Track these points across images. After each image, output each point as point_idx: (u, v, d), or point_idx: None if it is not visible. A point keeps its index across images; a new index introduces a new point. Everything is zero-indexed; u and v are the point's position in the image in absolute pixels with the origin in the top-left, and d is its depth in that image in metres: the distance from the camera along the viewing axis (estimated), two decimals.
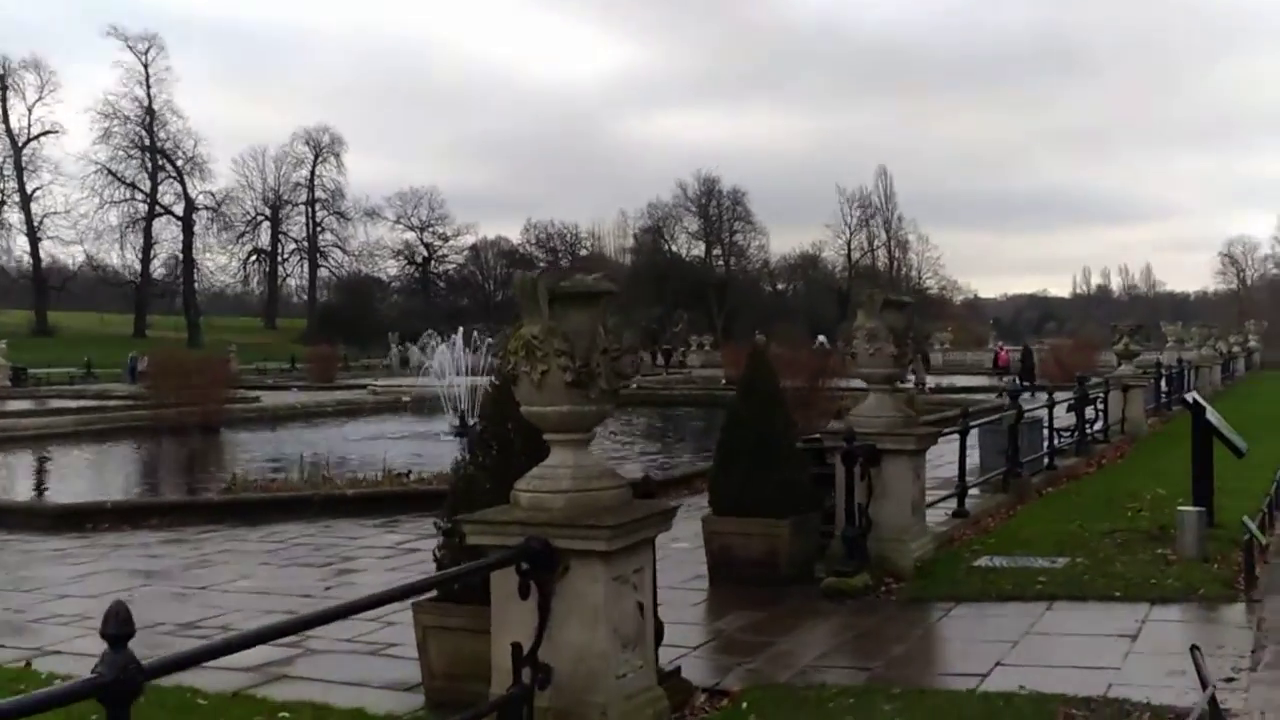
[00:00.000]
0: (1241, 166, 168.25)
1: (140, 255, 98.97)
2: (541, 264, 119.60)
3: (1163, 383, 30.22)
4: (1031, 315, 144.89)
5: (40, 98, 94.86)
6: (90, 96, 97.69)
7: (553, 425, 6.38)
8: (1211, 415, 11.77)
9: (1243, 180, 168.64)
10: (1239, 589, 9.43)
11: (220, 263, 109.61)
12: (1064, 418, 20.88)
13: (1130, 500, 14.37)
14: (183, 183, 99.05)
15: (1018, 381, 39.02)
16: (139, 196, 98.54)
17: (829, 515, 10.99)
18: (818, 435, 11.61)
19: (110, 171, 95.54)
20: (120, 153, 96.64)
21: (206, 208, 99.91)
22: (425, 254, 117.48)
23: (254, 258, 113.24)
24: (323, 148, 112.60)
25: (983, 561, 10.98)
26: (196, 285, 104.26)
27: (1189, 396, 11.68)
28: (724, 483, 10.73)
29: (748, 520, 10.54)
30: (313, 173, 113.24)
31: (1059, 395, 20.53)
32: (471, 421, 31.14)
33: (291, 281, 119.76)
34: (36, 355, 68.52)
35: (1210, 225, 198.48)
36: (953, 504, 13.74)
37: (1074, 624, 8.91)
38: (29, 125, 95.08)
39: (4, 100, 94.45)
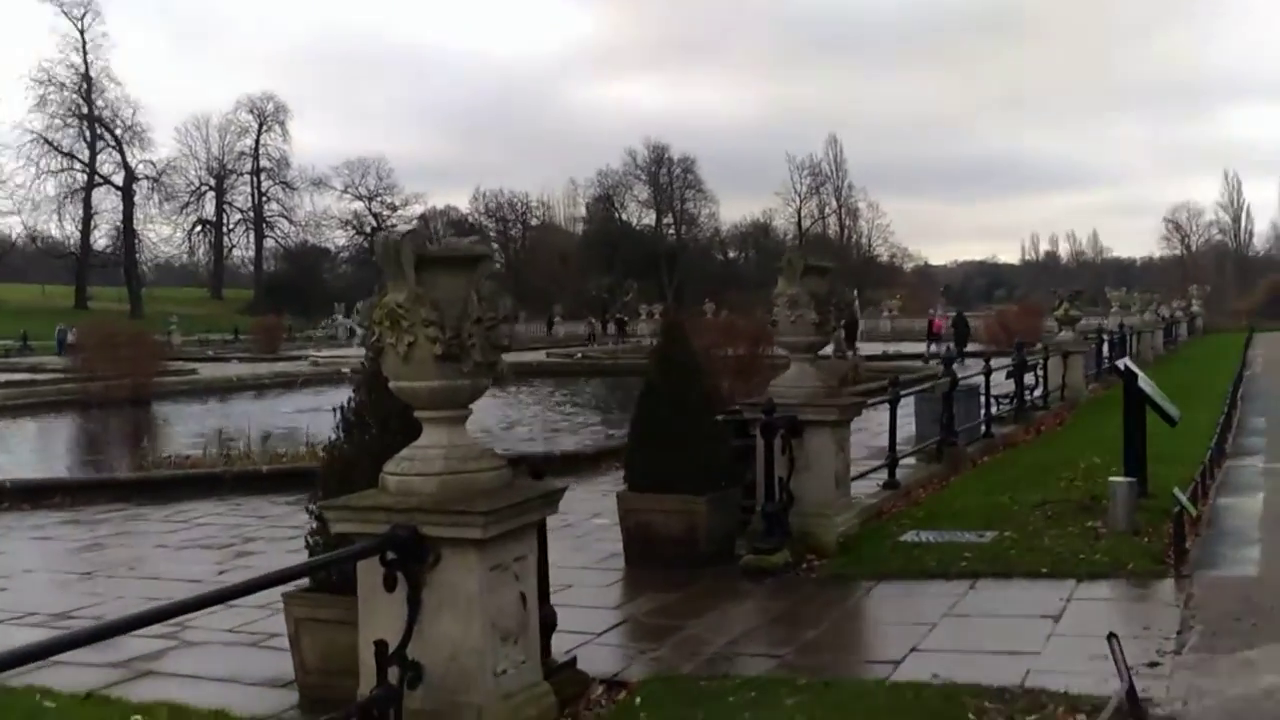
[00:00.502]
0: (1187, 132, 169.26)
1: (80, 226, 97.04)
2: (491, 233, 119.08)
3: (1104, 348, 30.07)
4: (981, 282, 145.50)
5: None
6: (26, 64, 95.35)
7: (423, 401, 5.87)
8: (1144, 382, 11.41)
9: (1188, 146, 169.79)
10: (1169, 563, 9.09)
11: (165, 234, 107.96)
12: (1004, 385, 20.65)
13: (1065, 469, 14.05)
14: (121, 152, 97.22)
15: (952, 349, 38.92)
16: (77, 166, 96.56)
17: (751, 490, 10.55)
18: (738, 407, 11.14)
19: (47, 140, 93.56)
20: (57, 121, 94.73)
21: (147, 177, 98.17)
22: (374, 223, 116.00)
23: (199, 228, 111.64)
24: (267, 116, 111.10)
25: (909, 536, 10.59)
26: (140, 257, 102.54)
27: (1120, 363, 11.32)
28: (639, 458, 10.26)
29: (664, 497, 10.08)
30: (257, 141, 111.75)
31: (998, 362, 20.18)
32: None
33: (238, 252, 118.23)
34: None
35: (1157, 191, 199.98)
36: (884, 475, 13.36)
37: (997, 604, 8.54)
38: None
39: None
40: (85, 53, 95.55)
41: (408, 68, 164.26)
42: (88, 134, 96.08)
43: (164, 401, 32.70)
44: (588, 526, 11.80)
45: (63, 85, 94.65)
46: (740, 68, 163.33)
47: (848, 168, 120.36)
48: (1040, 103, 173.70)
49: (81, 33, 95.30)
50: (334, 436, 7.30)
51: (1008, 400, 20.22)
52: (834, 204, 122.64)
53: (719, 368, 27.17)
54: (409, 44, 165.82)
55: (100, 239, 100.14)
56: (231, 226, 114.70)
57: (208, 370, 44.47)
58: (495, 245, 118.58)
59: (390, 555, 5.58)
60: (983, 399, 18.04)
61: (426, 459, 5.82)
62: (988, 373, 18.14)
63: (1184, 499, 9.34)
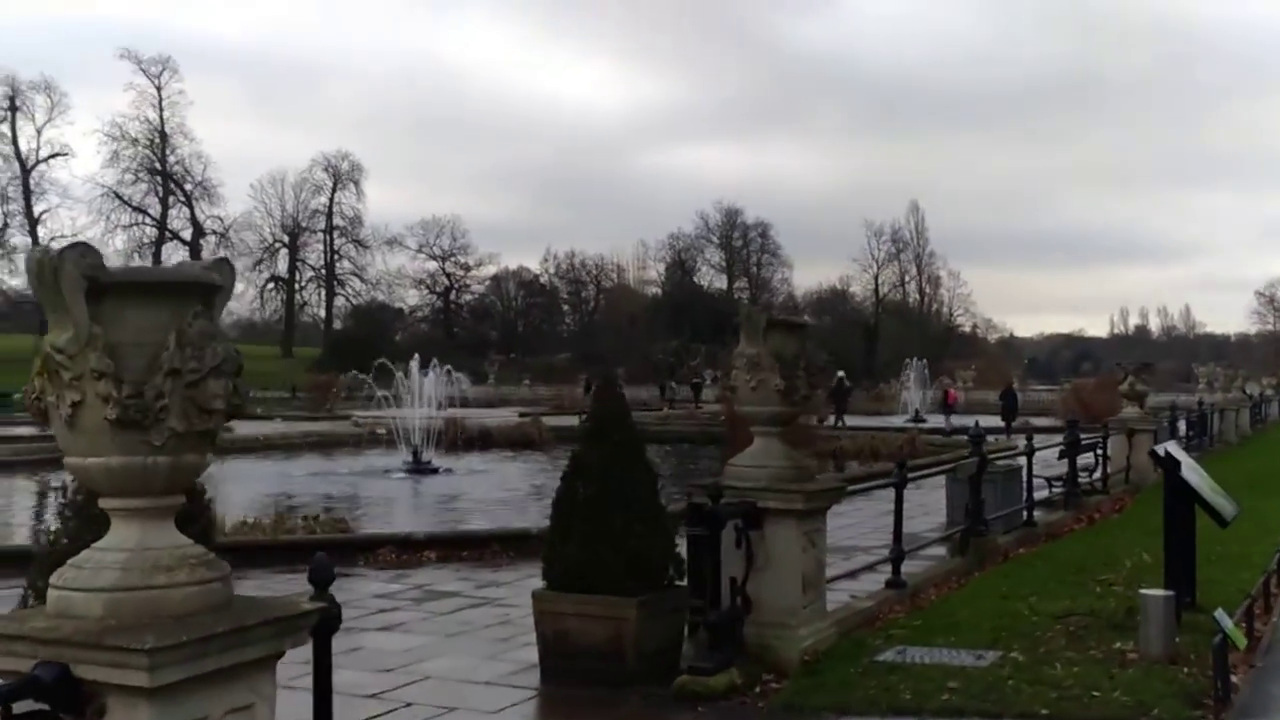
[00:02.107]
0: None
1: None
2: (563, 294, 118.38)
3: (1180, 426, 27.72)
4: (1068, 355, 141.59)
5: (50, 119, 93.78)
6: (100, 119, 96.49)
7: (102, 486, 4.16)
8: (1190, 472, 9.39)
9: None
10: (1209, 706, 7.08)
11: (237, 290, 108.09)
12: (1061, 466, 18.61)
13: (1107, 568, 12.03)
14: (191, 207, 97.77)
15: (1003, 422, 36.77)
16: (147, 221, 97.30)
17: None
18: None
19: (117, 195, 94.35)
20: (129, 176, 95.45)
21: (215, 232, 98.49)
22: (447, 283, 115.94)
23: (271, 285, 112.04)
24: (342, 174, 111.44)
25: (890, 655, 8.65)
26: None
27: (1160, 448, 9.31)
28: (560, 549, 8.47)
29: (586, 599, 8.28)
30: (331, 199, 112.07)
31: (1045, 439, 18.14)
32: (426, 458, 29.19)
33: (310, 310, 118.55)
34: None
35: (1251, 265, 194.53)
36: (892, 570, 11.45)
37: None
38: (38, 147, 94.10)
39: (13, 122, 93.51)
40: (161, 109, 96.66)
41: (482, 130, 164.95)
42: (159, 189, 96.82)
43: None
44: (526, 625, 9.99)
45: (135, 140, 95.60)
46: (811, 135, 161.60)
47: (929, 235, 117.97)
48: (1127, 173, 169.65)
49: (158, 89, 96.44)
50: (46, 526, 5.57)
51: (1060, 483, 18.15)
52: (914, 271, 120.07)
53: (741, 438, 25.43)
54: (484, 107, 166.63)
55: None
56: (303, 284, 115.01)
57: (248, 428, 43.41)
58: (567, 308, 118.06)
59: (41, 705, 3.88)
60: (1025, 481, 15.97)
61: (97, 567, 4.11)
62: (1030, 453, 16.09)
63: (1228, 624, 7.33)
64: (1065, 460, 18.06)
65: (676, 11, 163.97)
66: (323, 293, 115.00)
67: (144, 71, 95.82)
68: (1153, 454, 9.20)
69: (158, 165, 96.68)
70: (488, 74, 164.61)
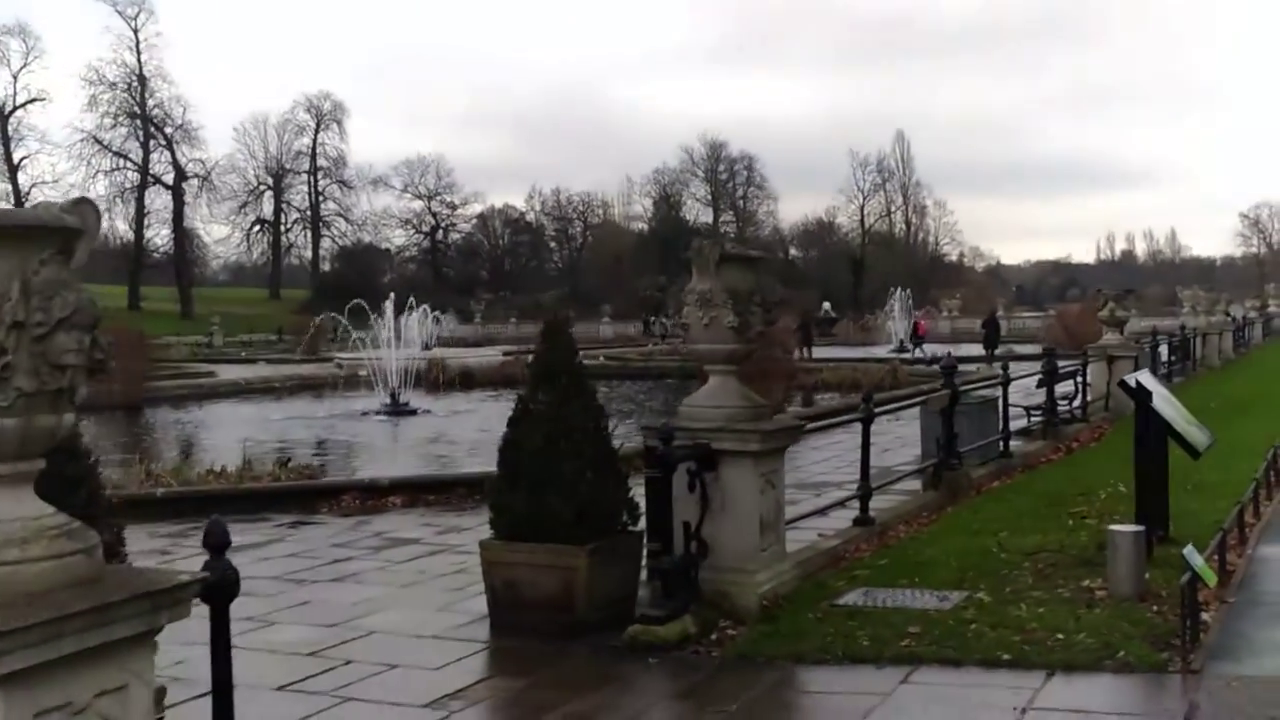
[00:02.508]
0: (1269, 126, 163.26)
1: (133, 226, 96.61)
2: (550, 232, 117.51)
3: (1163, 351, 27.42)
4: (1055, 282, 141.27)
5: (26, 64, 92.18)
6: (79, 63, 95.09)
7: None
8: (1161, 402, 9.05)
9: (1272, 140, 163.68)
10: (1176, 649, 6.79)
11: (222, 233, 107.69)
12: (1038, 395, 18.31)
13: (1080, 500, 11.76)
14: (172, 151, 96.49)
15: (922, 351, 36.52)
16: (129, 166, 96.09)
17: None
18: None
19: (97, 140, 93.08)
20: (108, 120, 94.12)
21: (197, 176, 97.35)
22: (433, 223, 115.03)
23: (257, 228, 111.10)
24: (324, 115, 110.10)
25: (852, 597, 8.36)
26: (193, 256, 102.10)
27: (1130, 378, 8.95)
28: (508, 497, 8.14)
29: (535, 548, 7.97)
30: (315, 140, 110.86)
31: (1022, 369, 17.84)
32: (404, 400, 28.84)
33: (296, 252, 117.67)
34: None
35: (1240, 188, 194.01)
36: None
37: (929, 711, 6.30)
38: (14, 93, 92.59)
39: None
40: (139, 52, 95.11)
41: (463, 69, 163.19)
42: (140, 133, 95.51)
43: (159, 407, 31.12)
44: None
45: (114, 84, 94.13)
46: (799, 67, 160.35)
47: (914, 165, 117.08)
48: (1111, 100, 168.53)
49: (135, 31, 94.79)
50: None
51: (1038, 412, 17.86)
52: (899, 201, 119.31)
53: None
54: (464, 45, 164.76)
55: (154, 239, 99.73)
56: (289, 226, 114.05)
57: (231, 372, 43.13)
58: (554, 245, 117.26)
59: None
60: (1001, 412, 15.65)
61: None
62: (1005, 382, 15.76)
63: (1198, 561, 7.02)
64: (1044, 389, 17.74)
65: None
66: (309, 234, 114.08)
67: (120, 14, 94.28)
68: (1123, 384, 8.86)
69: (137, 109, 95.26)
70: (469, 13, 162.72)
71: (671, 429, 7.98)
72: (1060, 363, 21.08)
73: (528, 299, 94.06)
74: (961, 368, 32.11)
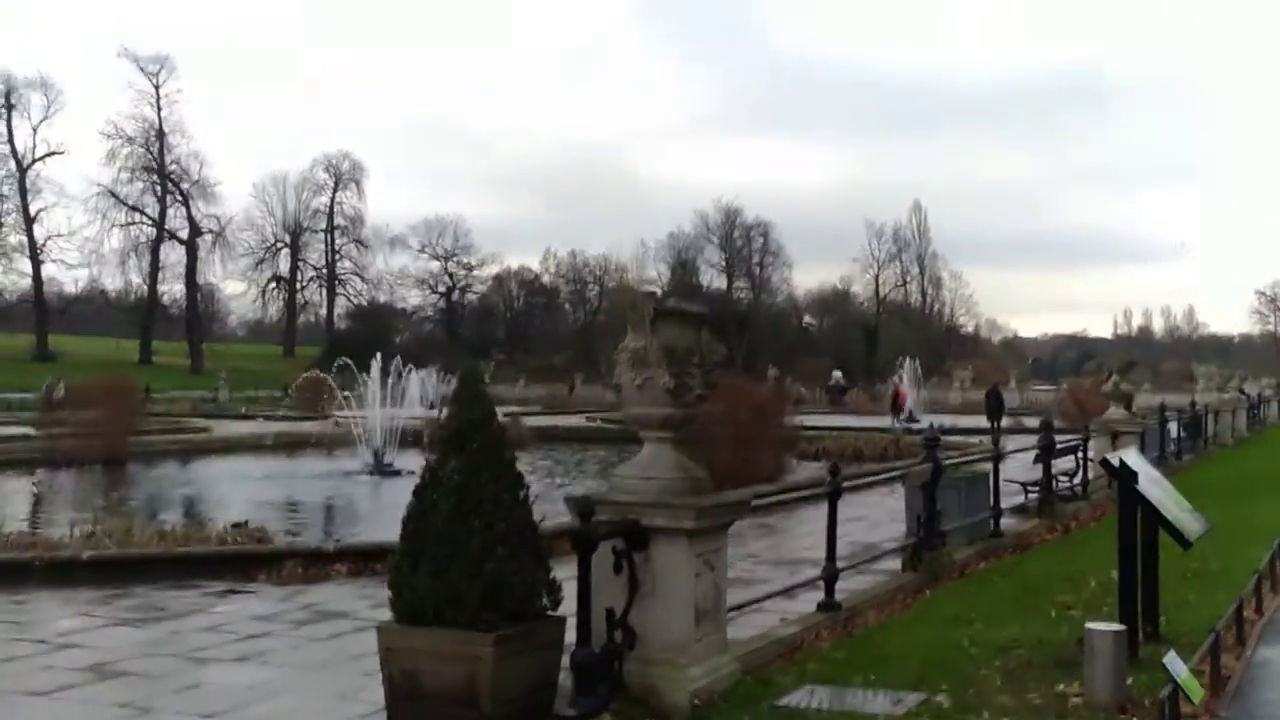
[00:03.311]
0: None
1: (147, 279, 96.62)
2: (563, 295, 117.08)
3: (1173, 428, 26.45)
4: (1071, 355, 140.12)
5: (46, 117, 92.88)
6: (98, 118, 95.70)
7: None
8: (1150, 484, 8.15)
9: None
10: None
11: (238, 289, 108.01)
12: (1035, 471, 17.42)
13: (1068, 588, 10.84)
14: (187, 206, 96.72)
15: (990, 423, 35.54)
16: (143, 219, 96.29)
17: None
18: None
19: (114, 194, 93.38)
20: (125, 174, 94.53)
21: (211, 231, 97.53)
22: (449, 283, 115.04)
23: (273, 285, 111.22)
24: (343, 174, 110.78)
25: (795, 698, 7.45)
26: (203, 310, 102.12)
27: (1113, 456, 8.03)
28: (409, 577, 7.26)
29: (438, 634, 7.09)
30: (333, 199, 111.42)
31: (1021, 442, 16.93)
32: (388, 460, 27.97)
33: (312, 309, 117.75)
34: (34, 380, 65.65)
35: (1258, 266, 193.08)
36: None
37: None
38: (33, 146, 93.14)
39: (9, 120, 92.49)
40: (159, 107, 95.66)
41: (482, 132, 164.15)
42: (157, 188, 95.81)
43: (145, 462, 30.35)
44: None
45: (132, 139, 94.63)
46: (812, 138, 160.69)
47: (931, 235, 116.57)
48: (1130, 175, 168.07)
49: (156, 88, 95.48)
50: None
51: (1036, 488, 16.96)
52: (915, 271, 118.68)
53: (716, 438, 24.19)
54: (484, 108, 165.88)
55: (167, 293, 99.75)
56: (305, 283, 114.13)
57: (227, 428, 42.41)
58: (569, 307, 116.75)
59: None
60: (992, 487, 14.75)
61: None
62: (997, 457, 14.88)
63: (1181, 671, 6.11)
64: (1041, 464, 16.83)
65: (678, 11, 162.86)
66: (324, 293, 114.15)
67: (142, 70, 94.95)
68: (1105, 464, 7.97)
69: (155, 164, 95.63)
70: (490, 73, 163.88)
71: (591, 502, 7.12)
72: (1065, 437, 20.24)
73: (539, 360, 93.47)
74: (963, 439, 31.35)
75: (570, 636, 7.31)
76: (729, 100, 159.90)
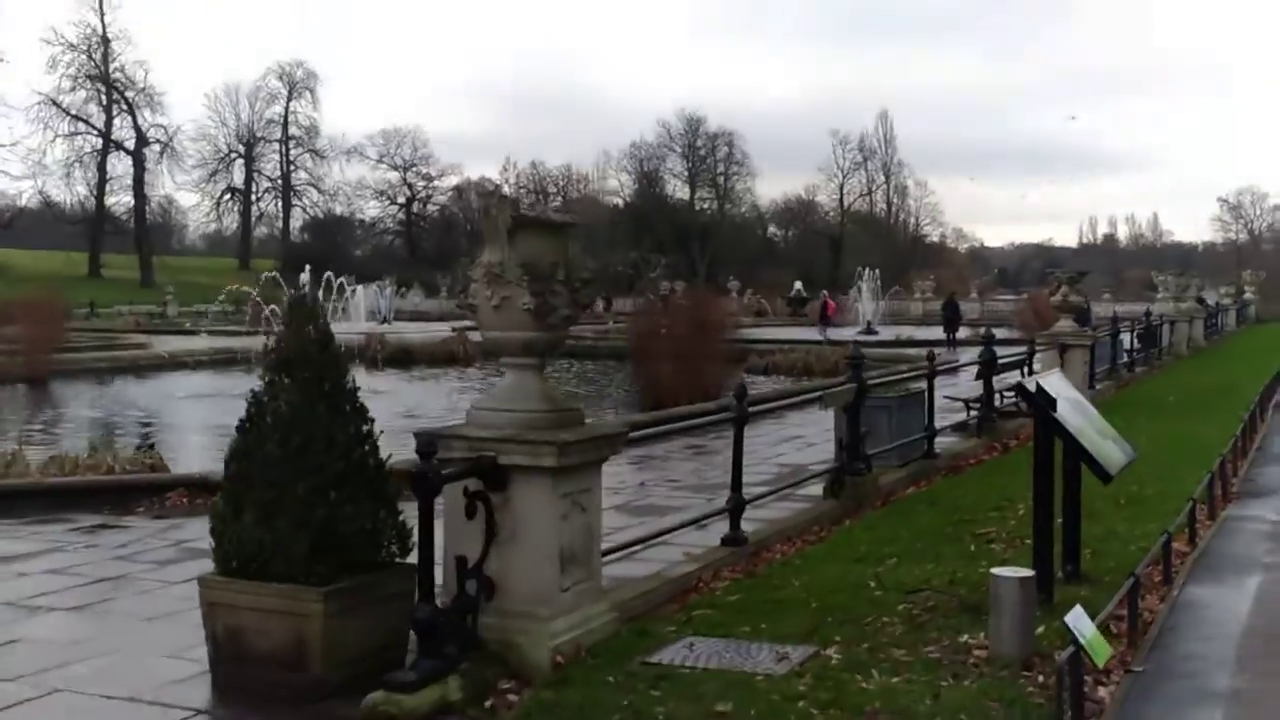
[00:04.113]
0: (1255, 111, 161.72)
1: (94, 191, 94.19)
2: (524, 207, 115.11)
3: (1128, 339, 25.85)
4: (1037, 265, 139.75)
5: None
6: (38, 24, 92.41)
7: None
8: (1069, 411, 7.35)
9: (1258, 125, 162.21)
10: None
11: (192, 201, 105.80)
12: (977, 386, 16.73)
13: (994, 515, 10.15)
14: (133, 115, 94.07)
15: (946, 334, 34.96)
16: (90, 130, 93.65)
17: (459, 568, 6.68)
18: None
19: (55, 103, 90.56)
20: (68, 82, 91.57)
21: (158, 141, 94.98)
22: (409, 195, 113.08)
23: (228, 196, 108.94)
24: (297, 82, 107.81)
25: (670, 653, 6.67)
26: (174, 224, 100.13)
27: (1027, 382, 7.16)
28: (232, 523, 6.43)
29: (262, 588, 6.28)
30: (287, 108, 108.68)
31: (962, 357, 16.20)
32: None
33: (269, 221, 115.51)
34: None
35: (1223, 173, 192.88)
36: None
37: None
38: None
39: None
40: (102, 12, 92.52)
41: (439, 40, 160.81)
42: (103, 97, 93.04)
43: (69, 380, 29.32)
44: None
45: (73, 46, 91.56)
46: (780, 47, 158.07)
47: (897, 145, 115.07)
48: (1097, 83, 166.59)
49: None
50: None
51: (977, 405, 16.26)
52: (881, 180, 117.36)
53: (654, 354, 23.40)
54: (441, 17, 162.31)
55: (116, 205, 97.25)
56: (260, 195, 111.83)
57: (166, 344, 41.26)
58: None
59: None
60: (927, 406, 14.03)
61: None
62: (931, 374, 14.13)
63: (1086, 630, 5.36)
64: (983, 380, 16.13)
65: None
66: (280, 204, 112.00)
67: None
68: (1020, 390, 7.17)
69: (99, 71, 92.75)
70: None
71: (433, 437, 6.26)
72: (1013, 350, 19.58)
73: None
74: (916, 352, 30.67)
75: None
76: (692, 6, 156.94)
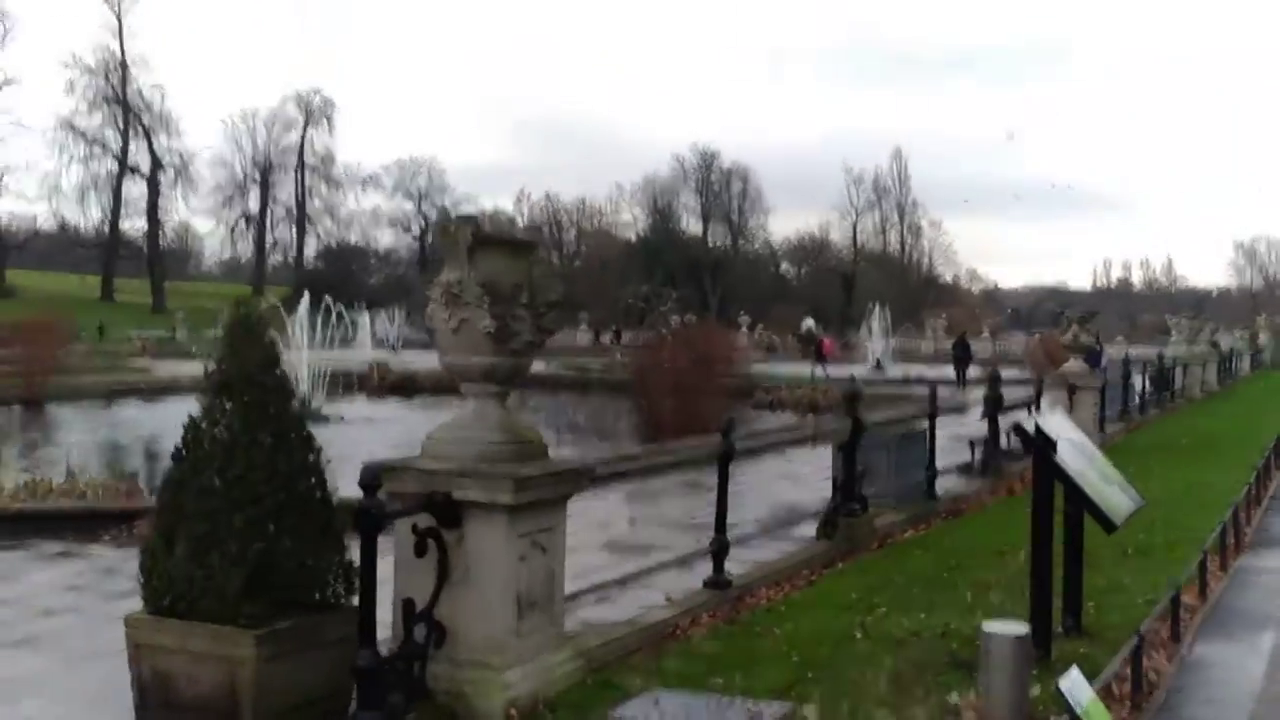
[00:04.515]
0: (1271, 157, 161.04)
1: (109, 215, 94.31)
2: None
3: (1142, 381, 25.29)
4: (1051, 306, 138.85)
5: (0, 45, 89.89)
6: (58, 47, 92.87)
7: None
8: (1071, 454, 6.84)
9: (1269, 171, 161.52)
10: None
11: (208, 227, 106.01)
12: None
13: (993, 562, 9.63)
14: (149, 139, 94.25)
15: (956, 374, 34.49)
16: (102, 152, 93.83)
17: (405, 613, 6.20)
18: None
19: (72, 126, 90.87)
20: (85, 106, 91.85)
21: (173, 166, 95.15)
22: (424, 224, 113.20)
23: (242, 222, 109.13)
24: (314, 110, 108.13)
25: (632, 710, 6.12)
26: (187, 249, 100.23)
27: (1025, 421, 6.65)
28: (163, 557, 5.96)
29: (193, 628, 5.81)
30: (303, 136, 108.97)
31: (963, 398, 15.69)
32: (316, 406, 26.57)
33: (283, 248, 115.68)
34: None
35: (1238, 220, 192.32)
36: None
37: None
38: None
39: None
40: (121, 37, 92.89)
41: (456, 72, 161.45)
42: (120, 121, 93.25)
43: (68, 403, 28.93)
44: None
45: (92, 70, 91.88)
46: (791, 86, 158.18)
47: (911, 184, 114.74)
48: (1112, 123, 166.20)
49: (118, 16, 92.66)
50: None
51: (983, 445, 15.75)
52: (895, 219, 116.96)
53: (658, 386, 22.93)
54: (461, 48, 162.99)
55: (131, 230, 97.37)
56: (275, 223, 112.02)
57: (170, 369, 40.93)
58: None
59: None
60: (929, 446, 13.53)
61: None
62: (933, 414, 13.63)
63: (1083, 697, 4.85)
64: (988, 420, 15.61)
65: None
66: (294, 231, 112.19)
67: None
68: (1018, 430, 6.68)
69: (116, 96, 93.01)
70: (468, 13, 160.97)
71: (377, 470, 5.79)
72: (1021, 391, 19.11)
73: None
74: (922, 391, 30.12)
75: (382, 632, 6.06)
76: (707, 42, 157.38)
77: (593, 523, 12.45)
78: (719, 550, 8.92)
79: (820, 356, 45.76)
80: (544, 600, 6.42)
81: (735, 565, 9.83)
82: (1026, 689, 5.86)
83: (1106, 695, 5.99)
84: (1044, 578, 6.67)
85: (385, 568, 6.12)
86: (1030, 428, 6.58)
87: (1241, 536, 10.70)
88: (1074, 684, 4.87)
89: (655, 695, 6.35)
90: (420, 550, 6.02)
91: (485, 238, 6.18)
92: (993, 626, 5.91)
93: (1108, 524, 6.69)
